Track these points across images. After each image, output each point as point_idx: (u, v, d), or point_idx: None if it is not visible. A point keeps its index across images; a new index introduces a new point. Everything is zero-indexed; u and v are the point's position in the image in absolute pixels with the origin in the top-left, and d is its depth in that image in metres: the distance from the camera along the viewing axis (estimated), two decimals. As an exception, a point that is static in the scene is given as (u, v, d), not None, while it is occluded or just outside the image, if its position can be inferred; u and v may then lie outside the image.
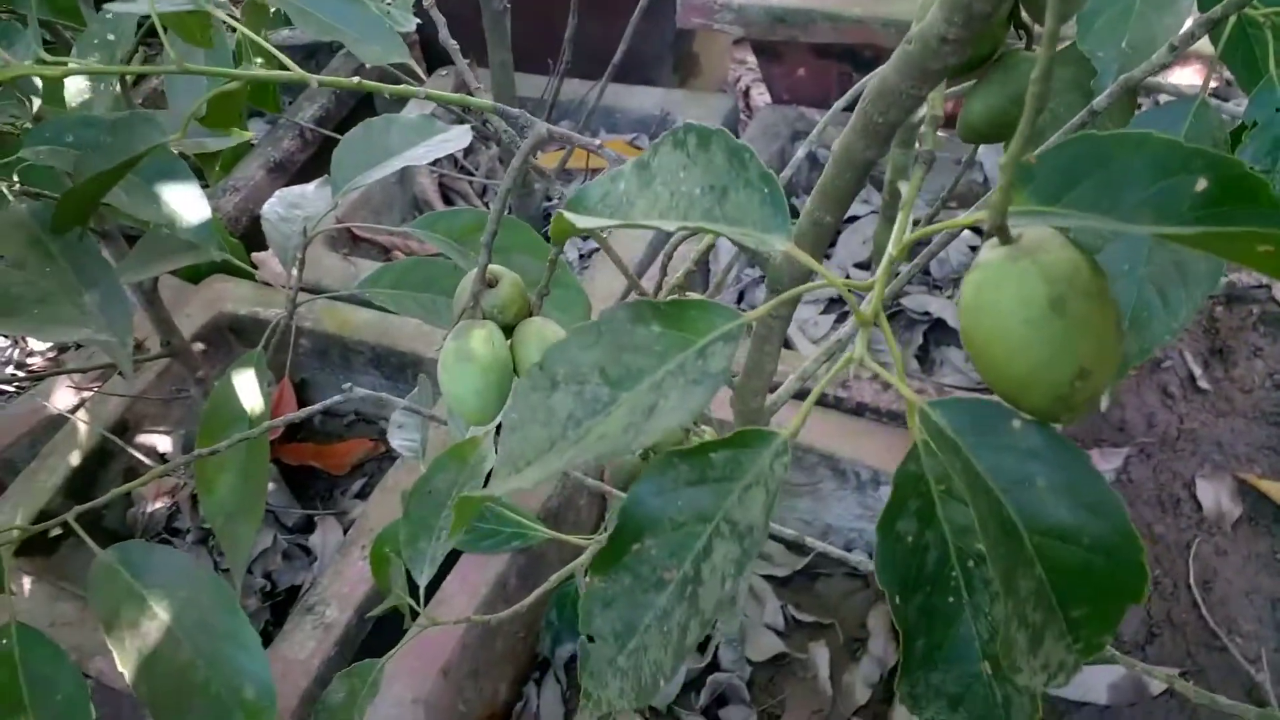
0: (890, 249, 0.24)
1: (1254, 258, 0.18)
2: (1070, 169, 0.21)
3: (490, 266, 0.39)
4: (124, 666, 0.40)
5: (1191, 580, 1.05)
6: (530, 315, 0.39)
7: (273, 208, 0.81)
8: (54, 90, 0.68)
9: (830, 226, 0.32)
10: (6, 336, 1.35)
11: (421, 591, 0.44)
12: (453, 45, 0.62)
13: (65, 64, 0.40)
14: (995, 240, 0.21)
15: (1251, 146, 0.38)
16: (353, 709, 0.46)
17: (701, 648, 0.85)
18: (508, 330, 0.39)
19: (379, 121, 0.74)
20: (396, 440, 0.58)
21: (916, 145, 0.27)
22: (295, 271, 0.71)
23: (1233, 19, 0.41)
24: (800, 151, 0.54)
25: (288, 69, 0.50)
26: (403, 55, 0.70)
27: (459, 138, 0.72)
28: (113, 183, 0.47)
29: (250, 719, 0.42)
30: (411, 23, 1.07)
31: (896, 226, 0.25)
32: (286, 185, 1.32)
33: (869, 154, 0.29)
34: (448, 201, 1.37)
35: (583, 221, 0.25)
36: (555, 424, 0.26)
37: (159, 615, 0.41)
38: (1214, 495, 1.12)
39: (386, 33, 0.67)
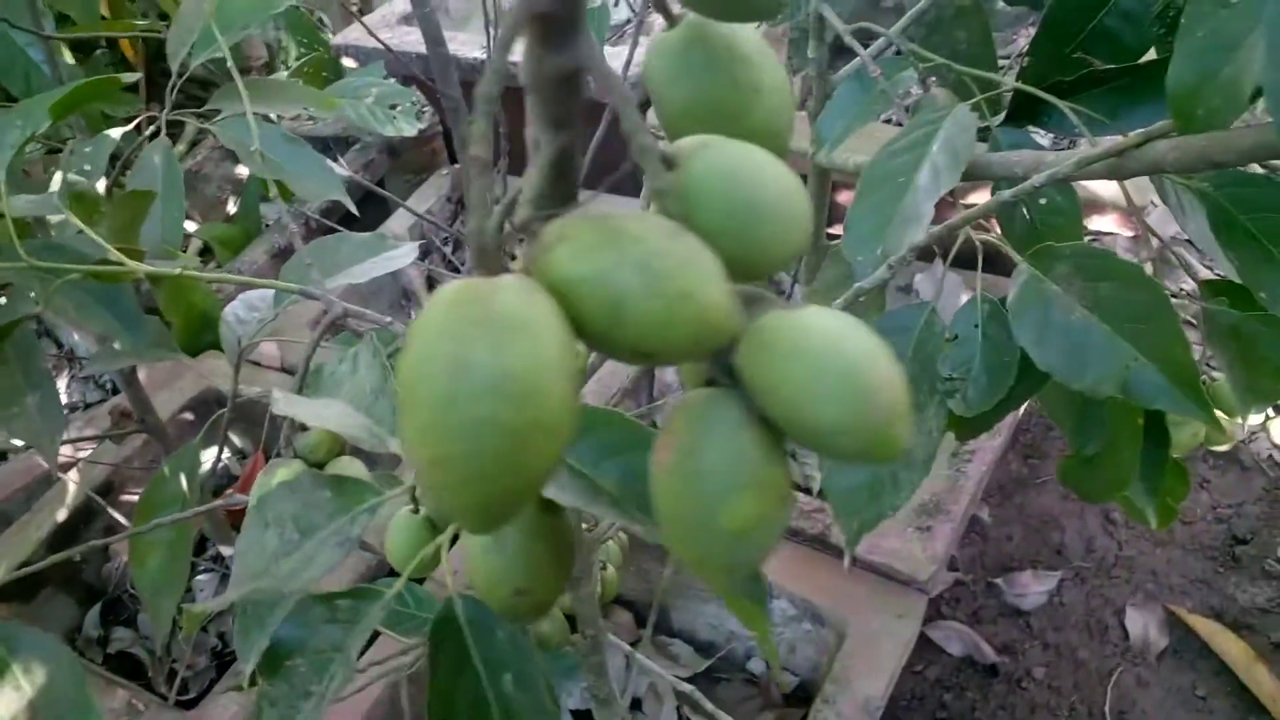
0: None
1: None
2: (607, 445, 0.28)
3: (307, 408, 0.46)
4: (-18, 729, 0.47)
5: (1107, 708, 1.06)
6: (341, 454, 0.47)
7: (234, 309, 0.91)
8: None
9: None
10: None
11: (247, 676, 0.50)
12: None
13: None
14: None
15: (951, 358, 0.44)
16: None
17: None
18: (321, 467, 0.46)
19: (331, 240, 0.83)
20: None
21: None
22: (234, 372, 0.80)
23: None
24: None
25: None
26: (338, 193, 0.80)
27: (404, 255, 0.81)
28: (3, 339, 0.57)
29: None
30: (415, 126, 1.18)
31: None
32: (290, 270, 1.44)
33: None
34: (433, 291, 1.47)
35: (281, 406, 0.32)
36: (266, 555, 0.33)
37: (23, 686, 0.48)
38: (1142, 625, 1.13)
39: (324, 172, 0.78)
